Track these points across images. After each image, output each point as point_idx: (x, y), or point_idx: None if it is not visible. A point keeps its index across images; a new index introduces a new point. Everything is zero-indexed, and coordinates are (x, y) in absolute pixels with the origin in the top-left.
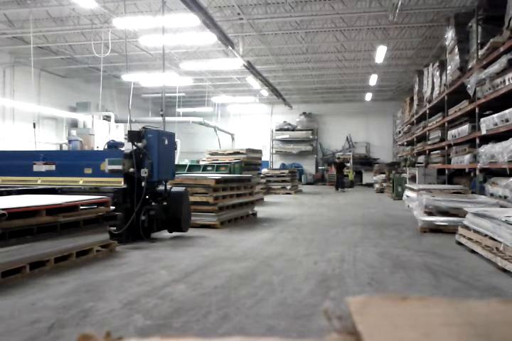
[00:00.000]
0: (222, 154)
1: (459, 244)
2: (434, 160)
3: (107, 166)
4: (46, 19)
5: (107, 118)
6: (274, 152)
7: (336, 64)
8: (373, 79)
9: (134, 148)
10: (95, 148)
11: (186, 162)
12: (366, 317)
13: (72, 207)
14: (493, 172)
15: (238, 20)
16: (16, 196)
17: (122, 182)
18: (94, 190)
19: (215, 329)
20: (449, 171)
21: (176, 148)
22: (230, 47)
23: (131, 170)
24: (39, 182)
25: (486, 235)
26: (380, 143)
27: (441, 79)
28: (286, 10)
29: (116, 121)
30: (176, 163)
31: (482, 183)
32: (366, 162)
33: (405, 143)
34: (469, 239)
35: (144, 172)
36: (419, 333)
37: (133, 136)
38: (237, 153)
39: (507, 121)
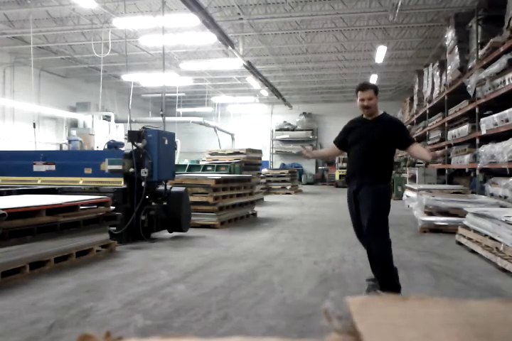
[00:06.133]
0: (222, 154)
1: (459, 244)
2: (434, 160)
3: (107, 166)
4: (46, 19)
5: (107, 118)
6: (274, 152)
7: (336, 64)
8: (373, 79)
9: (134, 148)
10: (95, 148)
11: (186, 162)
12: (366, 317)
13: (72, 207)
14: (493, 172)
15: (238, 20)
16: (16, 196)
17: (122, 182)
18: (94, 190)
19: (215, 329)
20: (449, 171)
21: (176, 148)
22: (230, 47)
23: (131, 170)
24: (39, 182)
25: (486, 235)
26: None
27: (441, 79)
28: (286, 10)
29: (116, 121)
30: (176, 163)
31: (482, 183)
32: None
33: None
34: (469, 239)
35: (144, 172)
36: (419, 333)
37: (133, 136)
38: (237, 153)
39: (507, 121)
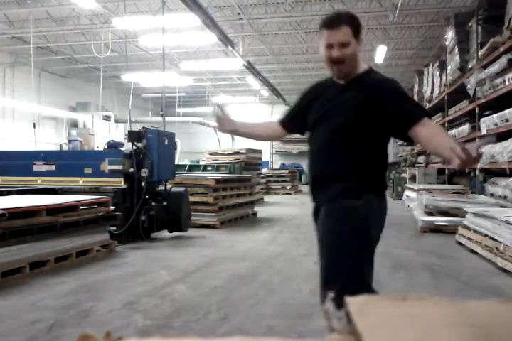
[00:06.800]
0: (222, 154)
1: (459, 244)
2: (434, 160)
3: (107, 166)
4: (46, 19)
5: (107, 118)
6: (274, 152)
7: None
8: None
9: (134, 148)
10: (95, 148)
11: (186, 162)
12: (366, 317)
13: (72, 207)
14: (493, 172)
15: (238, 20)
16: (16, 196)
17: (122, 182)
18: (94, 190)
19: (215, 329)
20: (449, 171)
21: (176, 148)
22: (230, 47)
23: (131, 170)
24: (39, 182)
25: (486, 235)
26: None
27: (441, 79)
28: (286, 10)
29: (116, 121)
30: (176, 163)
31: (482, 183)
32: None
33: (405, 143)
34: (469, 239)
35: (144, 172)
36: (419, 333)
37: (133, 136)
38: (237, 153)
39: (507, 121)
